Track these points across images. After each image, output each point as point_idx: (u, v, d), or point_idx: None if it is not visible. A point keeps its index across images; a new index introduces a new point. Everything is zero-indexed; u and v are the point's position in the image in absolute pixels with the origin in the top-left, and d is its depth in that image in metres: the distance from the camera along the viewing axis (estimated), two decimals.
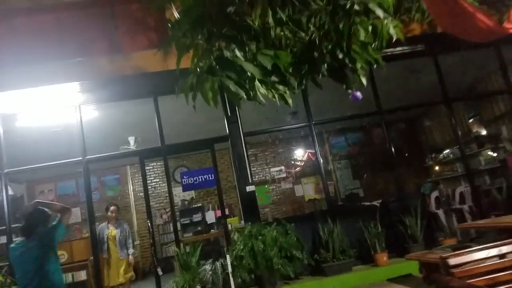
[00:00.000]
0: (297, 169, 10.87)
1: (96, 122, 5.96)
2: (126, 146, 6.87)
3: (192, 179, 5.28)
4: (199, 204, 9.46)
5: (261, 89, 2.12)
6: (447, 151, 9.33)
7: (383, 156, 10.97)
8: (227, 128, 5.53)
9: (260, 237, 4.30)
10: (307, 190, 11.10)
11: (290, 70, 2.20)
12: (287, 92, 2.30)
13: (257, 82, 2.06)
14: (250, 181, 5.36)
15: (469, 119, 8.72)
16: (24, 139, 5.73)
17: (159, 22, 4.34)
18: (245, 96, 2.06)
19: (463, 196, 7.15)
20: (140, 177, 9.98)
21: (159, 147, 5.36)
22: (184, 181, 5.28)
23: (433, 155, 10.11)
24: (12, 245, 3.01)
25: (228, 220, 8.49)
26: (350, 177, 11.24)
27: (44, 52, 4.61)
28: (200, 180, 5.32)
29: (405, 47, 5.37)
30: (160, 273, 5.17)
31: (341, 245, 4.83)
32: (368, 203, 6.14)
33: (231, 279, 4.28)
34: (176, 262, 5.05)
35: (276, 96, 2.28)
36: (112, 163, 9.28)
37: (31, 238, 2.90)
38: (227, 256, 4.33)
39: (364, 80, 2.45)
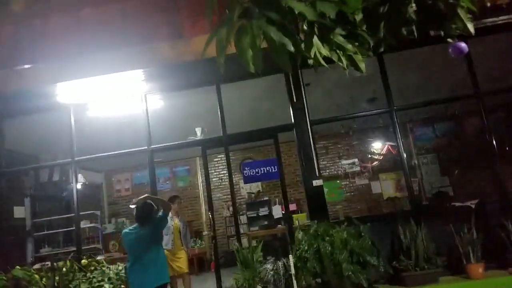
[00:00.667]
0: (374, 163, 9.98)
1: (161, 112, 6.00)
2: (192, 137, 6.86)
3: (254, 170, 4.97)
4: (266, 198, 9.19)
5: (322, 49, 1.59)
6: None
7: (478, 149, 9.61)
8: (292, 115, 5.10)
9: (327, 238, 3.81)
10: (386, 187, 10.11)
11: (364, 27, 1.62)
12: (359, 53, 1.70)
13: (315, 39, 1.55)
14: (317, 175, 4.87)
15: None
16: (93, 128, 5.99)
17: (221, 4, 4.11)
18: (292, 49, 1.49)
19: None
20: (209, 168, 10.22)
21: (220, 137, 5.15)
22: (246, 173, 4.99)
23: None
24: (125, 230, 3.72)
25: (295, 216, 8.09)
26: (438, 174, 9.99)
27: (109, 41, 4.69)
28: (263, 172, 4.99)
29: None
30: None
31: (426, 252, 4.09)
32: (461, 204, 5.19)
33: (294, 282, 3.87)
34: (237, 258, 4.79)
35: (343, 59, 1.69)
36: (181, 154, 9.52)
37: (145, 226, 3.61)
38: (290, 257, 3.93)
39: (471, 27, 1.75)
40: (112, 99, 5.43)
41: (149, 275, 3.45)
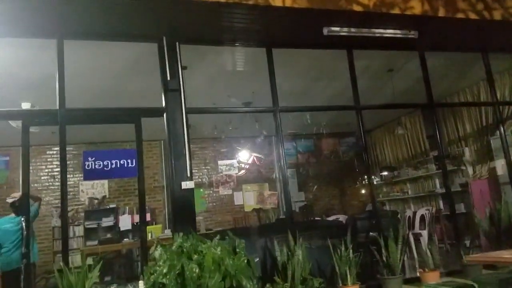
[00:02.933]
0: (240, 173, 9.60)
1: None
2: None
3: (101, 162, 3.67)
4: (113, 205, 7.65)
5: None
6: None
7: (332, 168, 10.38)
8: (163, 98, 4.07)
9: (195, 256, 2.87)
10: (248, 198, 9.86)
11: None
12: None
13: None
14: (188, 175, 3.93)
15: (428, 137, 8.27)
16: None
17: None
18: None
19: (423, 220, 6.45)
20: (38, 163, 8.01)
21: (55, 110, 3.67)
22: (89, 165, 3.65)
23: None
24: None
25: (149, 228, 6.87)
26: (296, 189, 10.32)
27: None
28: (114, 166, 3.73)
29: None
30: None
31: (302, 272, 3.58)
32: (333, 218, 5.04)
33: None
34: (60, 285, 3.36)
35: None
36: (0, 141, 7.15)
37: None
38: (140, 283, 2.83)
39: None
40: None
41: None
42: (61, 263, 3.25)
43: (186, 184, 3.91)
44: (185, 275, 2.77)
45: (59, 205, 7.31)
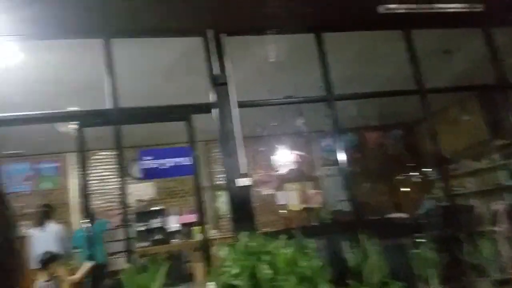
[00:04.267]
0: (282, 172, 9.41)
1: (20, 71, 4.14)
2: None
3: (157, 162, 3.59)
4: (161, 207, 7.68)
5: None
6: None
7: (381, 163, 9.92)
8: (212, 93, 3.94)
9: (265, 257, 2.69)
10: (292, 198, 9.65)
11: None
12: None
13: None
14: (242, 172, 3.78)
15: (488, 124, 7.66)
16: None
17: None
18: None
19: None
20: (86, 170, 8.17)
21: (109, 110, 3.63)
22: (146, 165, 3.57)
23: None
24: None
25: (196, 228, 6.84)
26: (341, 187, 9.97)
27: None
28: (170, 164, 3.64)
29: None
30: None
31: (380, 275, 3.31)
32: (398, 216, 4.72)
33: None
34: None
35: None
36: (48, 147, 7.35)
37: None
38: (210, 285, 2.69)
39: None
40: None
41: None
42: (125, 264, 3.19)
43: (241, 182, 3.76)
44: (257, 275, 2.59)
45: (109, 208, 7.55)
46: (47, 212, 5.09)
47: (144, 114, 3.96)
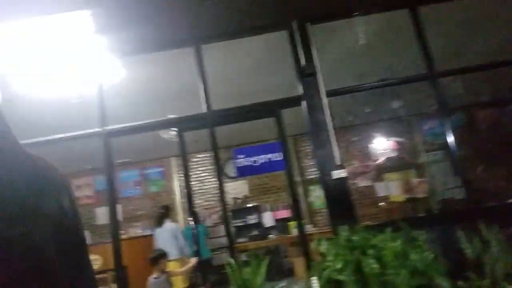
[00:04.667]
0: (379, 161, 8.92)
1: (121, 86, 4.65)
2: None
3: (250, 159, 3.70)
4: (254, 203, 7.93)
5: None
6: None
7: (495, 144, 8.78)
8: (300, 85, 3.90)
9: (371, 251, 2.57)
10: (392, 189, 9.08)
11: None
12: None
13: None
14: (338, 164, 3.67)
15: None
16: (26, 110, 4.58)
17: None
18: None
19: None
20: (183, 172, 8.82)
21: (203, 114, 3.86)
22: (240, 163, 3.71)
23: None
24: None
25: (291, 223, 6.87)
26: (449, 173, 9.06)
27: None
28: (263, 161, 3.72)
29: None
30: None
31: (504, 266, 2.92)
32: None
33: None
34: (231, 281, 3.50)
35: None
36: (152, 153, 8.14)
37: None
38: (314, 280, 2.66)
39: None
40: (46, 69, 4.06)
41: None
42: (229, 259, 3.35)
43: (337, 173, 3.65)
44: (362, 271, 2.49)
45: (208, 207, 8.08)
46: (164, 213, 5.64)
47: (236, 114, 4.10)
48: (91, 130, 4.06)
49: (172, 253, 4.79)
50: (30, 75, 4.07)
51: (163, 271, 3.71)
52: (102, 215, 8.54)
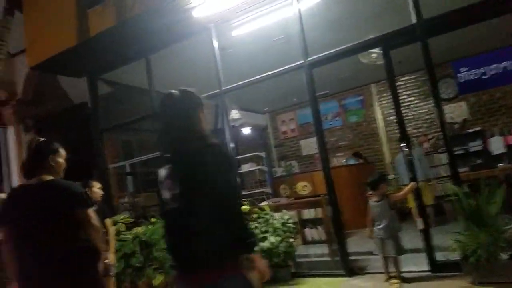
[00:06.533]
0: None
1: (319, 12, 4.67)
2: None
3: (476, 71, 3.19)
4: (478, 128, 6.91)
5: None
6: None
7: None
8: None
9: None
10: None
11: None
12: None
13: None
14: None
15: None
16: (238, 52, 5.25)
17: None
18: None
19: None
20: (384, 100, 8.40)
21: (411, 26, 3.51)
22: (462, 77, 3.26)
23: None
24: None
25: None
26: None
27: None
28: (493, 72, 3.15)
29: None
30: (421, 226, 3.68)
31: None
32: None
33: None
34: (455, 211, 3.35)
35: None
36: (350, 82, 8.08)
37: None
38: None
39: None
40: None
41: None
42: (454, 187, 3.15)
43: None
44: None
45: (418, 135, 7.60)
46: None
47: (453, 20, 3.53)
48: (295, 64, 4.34)
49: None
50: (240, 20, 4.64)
51: (384, 195, 3.82)
52: (306, 146, 9.35)
